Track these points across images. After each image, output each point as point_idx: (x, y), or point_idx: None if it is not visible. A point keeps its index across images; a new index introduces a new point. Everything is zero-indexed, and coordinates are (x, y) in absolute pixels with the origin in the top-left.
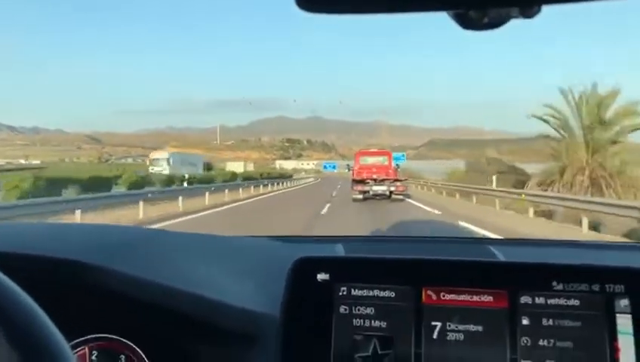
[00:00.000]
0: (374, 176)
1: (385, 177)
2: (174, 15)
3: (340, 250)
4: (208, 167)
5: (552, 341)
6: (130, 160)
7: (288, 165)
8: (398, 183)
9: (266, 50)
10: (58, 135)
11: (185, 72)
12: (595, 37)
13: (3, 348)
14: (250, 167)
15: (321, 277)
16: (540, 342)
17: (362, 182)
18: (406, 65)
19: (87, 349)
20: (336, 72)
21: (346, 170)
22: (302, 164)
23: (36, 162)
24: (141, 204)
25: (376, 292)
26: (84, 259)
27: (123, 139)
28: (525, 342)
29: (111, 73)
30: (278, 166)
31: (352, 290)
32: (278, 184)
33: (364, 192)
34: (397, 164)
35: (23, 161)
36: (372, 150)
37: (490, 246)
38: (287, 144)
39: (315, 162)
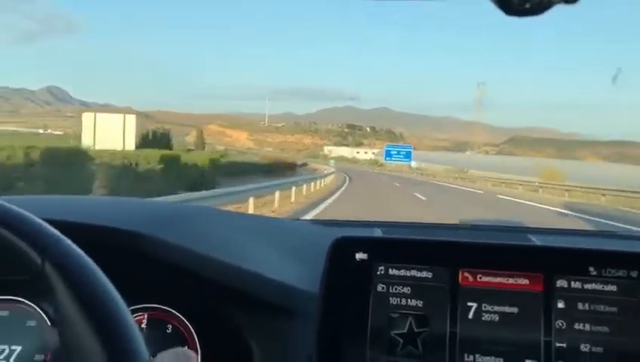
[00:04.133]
0: None
1: None
2: (254, 7)
3: (378, 234)
4: None
5: (587, 325)
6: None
7: (341, 152)
8: None
9: (336, 40)
10: (116, 109)
11: (260, 61)
12: None
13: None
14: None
15: (360, 256)
16: (575, 326)
17: None
18: (474, 62)
19: (145, 316)
20: (405, 65)
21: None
22: (357, 153)
23: (57, 133)
24: None
25: (413, 273)
26: (142, 230)
27: (174, 117)
28: (560, 325)
29: (192, 58)
30: (326, 152)
31: (390, 270)
32: None
33: None
34: None
35: (40, 131)
36: None
37: (528, 234)
38: (346, 130)
39: (377, 151)
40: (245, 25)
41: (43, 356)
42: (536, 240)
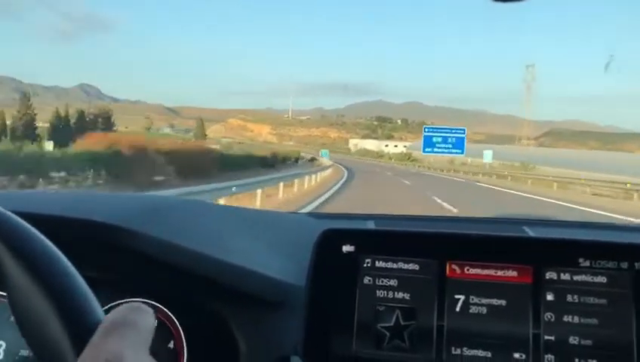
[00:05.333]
0: None
1: None
2: (285, 3)
3: (370, 226)
4: None
5: (576, 317)
6: (167, 130)
7: (367, 145)
8: None
9: (366, 34)
10: (139, 106)
11: (288, 57)
12: None
13: (43, 310)
14: None
15: (347, 248)
16: (565, 318)
17: None
18: (506, 55)
19: None
20: (436, 58)
21: None
22: (386, 146)
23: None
24: None
25: (400, 265)
26: (121, 224)
27: (199, 112)
28: (549, 317)
29: (222, 55)
30: (351, 146)
31: (377, 262)
32: None
33: None
34: None
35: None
36: None
37: (523, 226)
38: (375, 123)
39: (408, 143)
40: (275, 21)
41: (28, 351)
42: (530, 232)
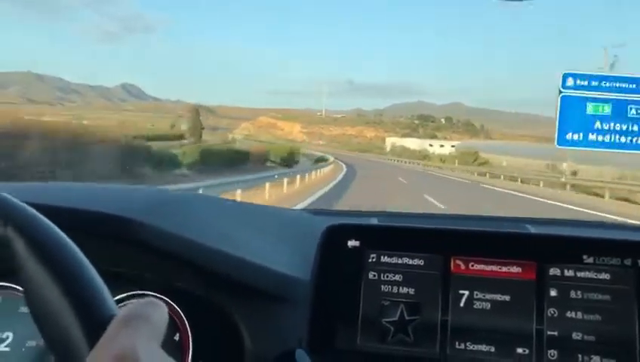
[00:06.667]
0: None
1: None
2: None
3: (374, 223)
4: None
5: (579, 313)
6: (184, 126)
7: (408, 144)
8: None
9: (406, 35)
10: (179, 105)
11: (326, 58)
12: None
13: (56, 300)
14: None
15: (352, 243)
16: (568, 314)
17: None
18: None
19: None
20: (480, 58)
21: None
22: (431, 145)
23: (84, 122)
24: None
25: (405, 260)
26: (131, 216)
27: (232, 111)
28: (552, 313)
29: (260, 56)
30: (388, 145)
31: (382, 257)
32: None
33: None
34: None
35: (73, 122)
36: None
37: (525, 223)
38: (416, 122)
39: (456, 143)
40: (314, 22)
41: (35, 342)
42: (533, 230)
